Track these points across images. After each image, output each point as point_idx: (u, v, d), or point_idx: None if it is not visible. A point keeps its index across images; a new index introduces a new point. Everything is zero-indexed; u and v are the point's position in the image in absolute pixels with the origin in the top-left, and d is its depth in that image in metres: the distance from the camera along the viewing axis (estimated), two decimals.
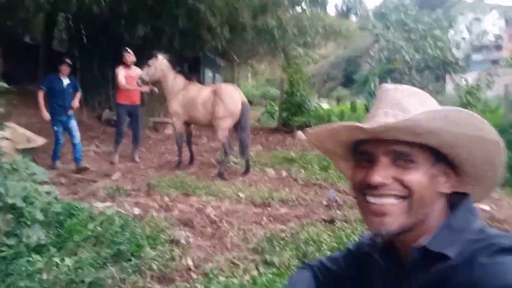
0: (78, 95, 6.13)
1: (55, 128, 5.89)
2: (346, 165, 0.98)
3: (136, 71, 6.42)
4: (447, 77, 10.27)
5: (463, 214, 0.81)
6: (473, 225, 0.78)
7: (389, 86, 0.89)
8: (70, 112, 5.95)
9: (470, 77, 10.10)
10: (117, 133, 6.69)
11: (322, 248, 2.74)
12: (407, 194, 0.79)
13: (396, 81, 15.52)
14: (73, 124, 6.01)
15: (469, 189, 0.89)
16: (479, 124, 0.75)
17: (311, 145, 1.28)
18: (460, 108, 0.76)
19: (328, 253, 2.67)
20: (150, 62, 5.98)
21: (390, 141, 0.79)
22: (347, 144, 0.91)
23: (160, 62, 5.95)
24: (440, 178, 0.82)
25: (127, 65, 6.48)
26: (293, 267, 2.50)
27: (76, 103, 6.02)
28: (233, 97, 5.70)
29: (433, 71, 9.20)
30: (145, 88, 6.32)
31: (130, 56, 6.49)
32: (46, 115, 5.83)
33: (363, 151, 0.85)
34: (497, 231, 0.76)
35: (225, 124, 5.68)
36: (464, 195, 0.87)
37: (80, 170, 5.70)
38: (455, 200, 0.85)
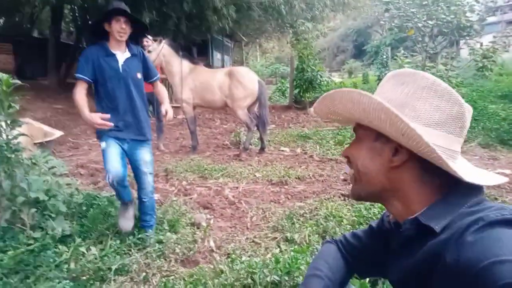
0: None
1: None
2: None
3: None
4: (462, 41, 9.97)
5: (464, 189, 0.80)
6: (470, 199, 0.78)
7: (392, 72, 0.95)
8: None
9: (486, 40, 9.78)
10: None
11: (342, 223, 2.74)
12: (352, 165, 0.92)
13: (409, 49, 15.15)
14: None
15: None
16: (355, 98, 0.81)
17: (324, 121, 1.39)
18: (347, 89, 0.83)
19: (349, 227, 2.68)
20: (151, 48, 5.89)
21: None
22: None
23: (162, 47, 5.82)
24: (385, 152, 0.85)
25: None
26: (315, 243, 2.51)
27: None
28: (250, 77, 5.79)
29: (447, 37, 8.92)
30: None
31: (148, 42, 6.39)
32: None
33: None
34: (493, 204, 0.76)
35: (244, 104, 5.78)
36: None
37: None
38: None
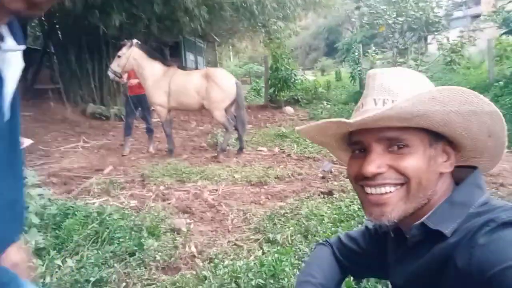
0: None
1: None
2: (345, 155, 0.97)
3: None
4: (430, 37, 10.24)
5: (467, 188, 0.79)
6: (476, 199, 0.76)
7: (376, 71, 0.86)
8: None
9: (453, 35, 10.08)
10: (124, 125, 6.50)
11: (323, 221, 2.75)
12: (404, 180, 0.77)
13: (379, 45, 15.44)
14: None
15: (473, 161, 0.87)
16: (469, 99, 0.73)
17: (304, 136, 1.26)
18: (449, 87, 0.74)
19: (330, 225, 2.68)
20: (120, 52, 5.75)
21: (381, 128, 0.77)
22: (340, 136, 0.90)
23: (131, 51, 5.68)
24: (439, 158, 0.80)
25: None
26: (298, 243, 2.50)
27: None
28: (227, 79, 5.74)
29: (416, 32, 9.16)
30: (122, 81, 6.14)
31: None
32: None
33: (356, 141, 0.84)
34: (502, 203, 0.74)
35: (222, 106, 5.71)
36: (471, 168, 0.85)
37: None
38: (462, 174, 0.83)
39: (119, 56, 5.71)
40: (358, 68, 11.54)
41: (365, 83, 0.88)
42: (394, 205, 0.77)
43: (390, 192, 0.77)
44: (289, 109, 10.47)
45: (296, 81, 11.54)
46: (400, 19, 8.57)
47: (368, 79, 0.87)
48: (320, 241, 1.18)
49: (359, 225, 2.56)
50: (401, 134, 0.76)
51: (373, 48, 11.26)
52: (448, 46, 8.80)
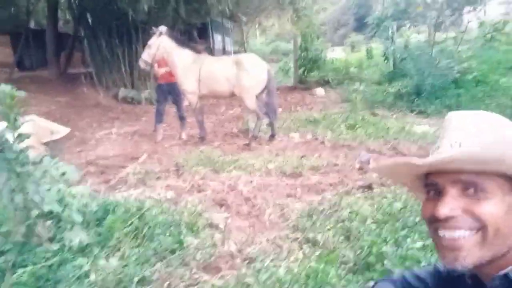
0: None
1: None
2: (423, 196, 0.91)
3: None
4: (468, 13, 9.67)
5: None
6: None
7: (454, 114, 0.85)
8: None
9: (492, 9, 9.49)
10: (156, 112, 6.56)
11: (366, 223, 2.66)
12: (480, 226, 0.73)
13: (412, 20, 14.74)
14: None
15: None
16: None
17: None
18: None
19: (373, 226, 2.59)
20: (150, 42, 5.72)
21: (457, 171, 0.75)
22: (417, 176, 0.87)
23: (161, 40, 5.64)
24: None
25: None
26: (340, 246, 2.43)
27: None
28: (258, 66, 5.64)
29: (454, 10, 8.65)
30: (154, 70, 6.14)
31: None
32: None
33: (431, 182, 0.81)
34: None
35: (253, 93, 5.64)
36: None
37: None
38: None
39: (149, 46, 5.69)
40: (392, 47, 11.07)
41: (442, 125, 0.86)
42: (468, 250, 0.74)
43: (464, 237, 0.75)
44: (319, 91, 10.23)
45: (327, 61, 11.24)
46: None
47: (445, 121, 0.86)
48: (380, 279, 1.11)
49: (405, 229, 2.47)
50: (477, 178, 0.74)
51: (407, 24, 10.76)
52: (488, 24, 8.29)
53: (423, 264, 1.98)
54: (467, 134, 0.78)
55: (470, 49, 8.52)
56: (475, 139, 0.76)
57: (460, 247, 0.75)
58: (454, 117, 0.84)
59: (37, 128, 4.72)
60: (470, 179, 0.74)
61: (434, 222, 0.79)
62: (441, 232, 0.78)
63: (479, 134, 0.77)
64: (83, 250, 2.63)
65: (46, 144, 5.04)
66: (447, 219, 0.75)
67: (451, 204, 0.75)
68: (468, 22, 8.51)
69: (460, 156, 0.72)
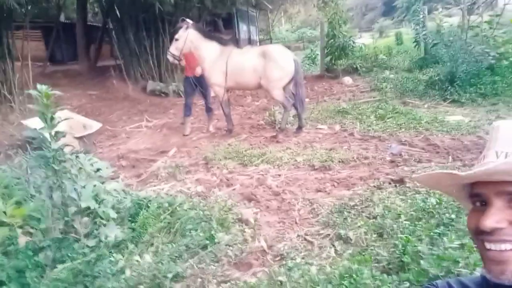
0: None
1: None
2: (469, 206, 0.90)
3: None
4: None
5: None
6: None
7: (501, 122, 0.82)
8: None
9: None
10: (184, 105, 6.62)
11: (399, 219, 2.60)
12: None
13: (445, 4, 14.16)
14: None
15: None
16: None
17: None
18: None
19: (407, 223, 2.53)
20: (177, 35, 5.74)
21: (503, 181, 0.72)
22: (462, 186, 0.86)
23: (188, 33, 5.65)
24: None
25: None
26: (373, 244, 2.39)
27: None
28: (285, 57, 5.57)
29: None
30: (182, 63, 6.17)
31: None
32: None
33: (476, 193, 0.80)
34: None
35: (280, 84, 5.59)
36: None
37: None
38: None
39: (176, 39, 5.73)
40: (423, 32, 10.67)
41: (489, 135, 0.84)
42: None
43: (511, 250, 0.72)
44: (347, 79, 10.02)
45: (355, 48, 10.97)
46: None
47: (491, 130, 0.84)
48: (425, 285, 1.08)
49: (440, 227, 2.40)
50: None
51: (439, 7, 10.32)
52: None
53: (460, 265, 1.92)
54: None
55: (506, 33, 8.09)
56: None
57: (507, 260, 0.73)
58: (501, 126, 0.81)
59: (70, 123, 4.87)
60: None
61: (480, 234, 0.77)
62: (487, 245, 0.76)
63: None
64: (117, 246, 2.71)
65: (79, 138, 5.20)
66: (492, 232, 0.73)
67: (496, 216, 0.73)
68: (505, 5, 8.07)
69: (504, 167, 0.70)
